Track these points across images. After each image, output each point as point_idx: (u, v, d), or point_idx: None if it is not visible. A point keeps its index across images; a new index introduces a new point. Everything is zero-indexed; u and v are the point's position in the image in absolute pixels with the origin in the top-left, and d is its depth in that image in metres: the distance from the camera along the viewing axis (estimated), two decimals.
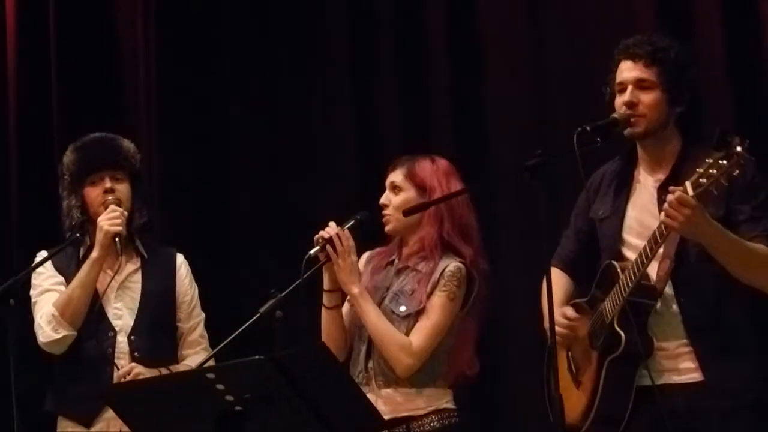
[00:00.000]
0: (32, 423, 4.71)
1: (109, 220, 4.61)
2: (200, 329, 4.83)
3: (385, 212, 4.48)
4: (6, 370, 4.42)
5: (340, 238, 4.35)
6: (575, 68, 5.50)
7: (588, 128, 3.96)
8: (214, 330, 4.82)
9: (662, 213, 3.83)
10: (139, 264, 4.79)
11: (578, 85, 5.44)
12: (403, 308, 4.37)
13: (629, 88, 4.07)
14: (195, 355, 4.75)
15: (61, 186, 4.84)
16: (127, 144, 4.85)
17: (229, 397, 3.51)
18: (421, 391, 4.35)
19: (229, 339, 4.18)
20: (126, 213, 4.69)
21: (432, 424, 4.33)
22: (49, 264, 4.76)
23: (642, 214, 4.12)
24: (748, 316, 4.05)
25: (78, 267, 4.69)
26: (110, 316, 4.71)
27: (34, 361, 4.80)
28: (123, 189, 4.74)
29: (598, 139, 3.97)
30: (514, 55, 5.67)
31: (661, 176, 4.11)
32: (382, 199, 4.49)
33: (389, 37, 5.97)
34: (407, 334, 4.33)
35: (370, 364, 4.39)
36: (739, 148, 3.63)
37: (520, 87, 5.64)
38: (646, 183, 4.15)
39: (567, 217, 4.44)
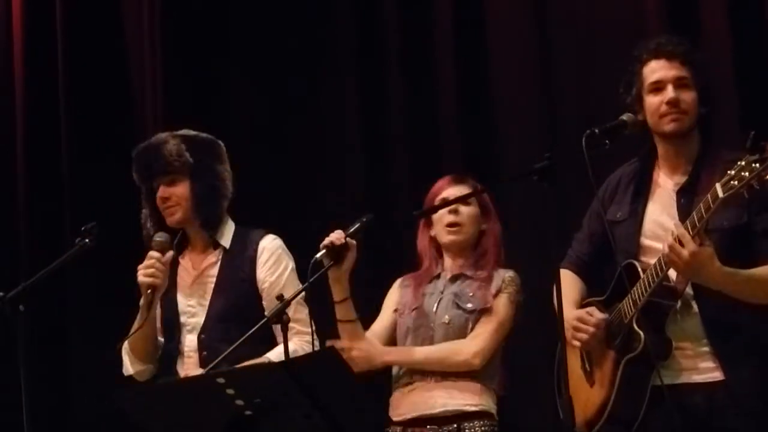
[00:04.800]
0: (43, 427, 4.73)
1: (143, 270, 4.54)
2: (291, 313, 4.36)
3: (458, 221, 4.56)
4: (17, 376, 4.43)
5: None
6: (582, 68, 5.51)
7: (596, 130, 3.96)
8: None
9: (664, 246, 3.88)
10: (218, 256, 4.69)
11: (586, 85, 5.45)
12: (469, 305, 4.49)
13: (669, 86, 4.07)
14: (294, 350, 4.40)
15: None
16: (171, 146, 4.70)
17: (240, 402, 3.51)
18: (477, 385, 4.45)
19: (236, 344, 4.16)
20: (168, 255, 4.57)
21: (482, 429, 4.41)
22: None
23: (662, 217, 4.11)
24: (763, 315, 4.04)
25: (174, 273, 4.69)
26: (185, 314, 4.65)
27: (44, 366, 4.83)
28: (179, 191, 4.66)
29: (607, 141, 3.97)
30: (521, 55, 5.68)
31: (680, 179, 4.11)
32: (453, 207, 4.54)
33: (397, 38, 5.98)
34: (472, 328, 4.46)
35: None
36: None
37: (527, 88, 5.64)
38: (665, 186, 4.14)
39: (576, 219, 4.44)
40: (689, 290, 4.01)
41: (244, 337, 4.17)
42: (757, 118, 5.00)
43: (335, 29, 6.15)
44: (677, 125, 4.07)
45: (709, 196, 3.76)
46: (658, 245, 4.02)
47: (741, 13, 5.11)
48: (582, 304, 4.27)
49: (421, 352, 4.47)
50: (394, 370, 4.59)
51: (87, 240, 4.58)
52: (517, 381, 5.38)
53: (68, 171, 6.26)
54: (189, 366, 4.57)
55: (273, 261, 4.65)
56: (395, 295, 4.69)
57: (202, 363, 4.51)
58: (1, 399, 5.69)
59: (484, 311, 4.47)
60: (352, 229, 4.40)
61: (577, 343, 4.14)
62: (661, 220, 4.11)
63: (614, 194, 4.26)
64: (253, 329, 4.16)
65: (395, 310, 4.63)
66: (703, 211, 3.78)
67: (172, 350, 4.63)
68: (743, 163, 3.66)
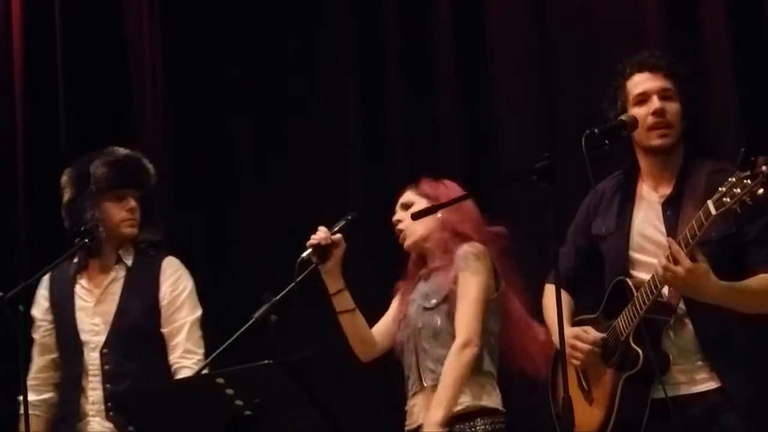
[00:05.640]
0: None
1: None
2: (184, 333, 4.74)
3: (399, 228, 4.58)
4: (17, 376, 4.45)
5: None
6: (582, 68, 5.51)
7: (596, 131, 3.95)
8: (219, 336, 4.79)
9: (658, 264, 3.86)
10: (120, 274, 4.81)
11: (586, 85, 5.44)
12: (433, 300, 4.46)
13: (654, 97, 4.07)
14: (180, 368, 4.70)
15: (78, 193, 4.85)
16: (147, 164, 4.89)
17: (239, 402, 3.52)
18: (475, 385, 4.39)
19: (224, 345, 4.17)
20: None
21: (491, 426, 4.38)
22: (43, 299, 4.84)
23: (648, 230, 4.10)
24: (760, 326, 4.03)
25: (72, 292, 4.77)
26: (87, 333, 4.75)
27: None
28: (138, 208, 4.80)
29: (606, 141, 3.95)
30: (521, 55, 5.68)
31: (665, 191, 4.09)
32: (395, 217, 4.59)
33: (397, 38, 5.99)
34: (442, 321, 4.42)
35: (420, 367, 4.46)
36: (764, 168, 3.58)
37: (527, 88, 5.65)
38: (650, 198, 4.13)
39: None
40: (681, 305, 4.00)
41: (234, 336, 4.17)
42: (757, 118, 5.01)
43: (335, 29, 6.16)
44: (664, 141, 4.07)
45: (701, 213, 3.74)
46: (646, 258, 4.03)
47: (741, 13, 5.11)
48: (573, 322, 4.24)
49: (441, 404, 4.34)
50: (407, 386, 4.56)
51: (87, 240, 4.62)
52: (517, 385, 5.40)
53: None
54: (94, 383, 4.68)
55: (174, 279, 4.80)
56: (396, 305, 4.69)
57: (105, 378, 4.66)
58: (1, 399, 5.69)
59: (446, 298, 4.43)
60: (337, 227, 4.44)
61: (576, 362, 4.13)
62: (647, 233, 4.10)
63: (598, 208, 4.25)
64: (243, 328, 4.16)
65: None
66: (696, 228, 3.76)
67: (75, 369, 4.71)
68: (734, 179, 3.64)
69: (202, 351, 4.73)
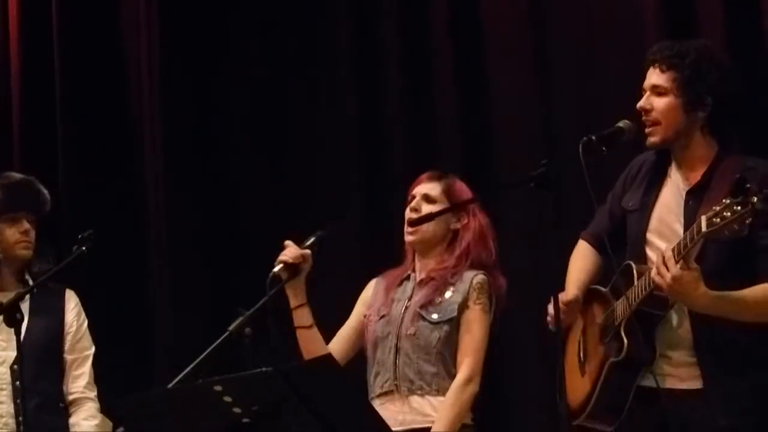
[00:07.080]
0: None
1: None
2: (88, 365, 4.98)
3: (414, 218, 4.47)
4: None
5: None
6: (582, 68, 5.51)
7: (593, 138, 3.95)
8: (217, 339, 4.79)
9: (653, 268, 3.87)
10: (26, 296, 4.87)
11: (585, 85, 5.45)
12: (435, 315, 4.42)
13: (646, 93, 4.06)
14: (85, 399, 4.92)
15: None
16: (44, 189, 5.04)
17: (237, 410, 3.51)
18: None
19: (200, 358, 4.13)
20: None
21: None
22: None
23: (667, 216, 4.08)
24: (758, 333, 4.00)
25: None
26: None
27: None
28: (34, 231, 4.95)
29: (604, 148, 3.95)
30: (520, 55, 5.68)
31: (693, 180, 4.07)
32: (413, 205, 4.49)
33: (396, 38, 5.99)
34: (438, 340, 4.38)
35: (398, 371, 4.43)
36: (755, 199, 3.60)
37: (526, 88, 5.65)
38: (677, 183, 4.11)
39: (573, 224, 4.44)
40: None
41: (209, 349, 4.16)
42: (756, 118, 5.00)
43: (335, 29, 6.15)
44: (651, 140, 4.06)
45: (694, 226, 3.76)
46: (661, 243, 4.00)
47: (739, 13, 5.11)
48: (588, 290, 4.25)
49: (450, 423, 4.35)
50: (370, 380, 4.55)
51: (84, 248, 4.65)
52: (515, 385, 5.41)
53: (66, 173, 6.26)
54: (2, 397, 4.80)
55: (78, 310, 5.04)
56: (367, 297, 4.62)
57: (16, 394, 4.75)
58: None
59: (451, 321, 4.39)
60: (307, 243, 4.43)
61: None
62: (667, 219, 4.09)
63: (633, 180, 4.23)
64: (217, 341, 4.16)
65: (365, 315, 4.58)
66: (688, 239, 3.78)
67: None
68: (727, 201, 3.65)
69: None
